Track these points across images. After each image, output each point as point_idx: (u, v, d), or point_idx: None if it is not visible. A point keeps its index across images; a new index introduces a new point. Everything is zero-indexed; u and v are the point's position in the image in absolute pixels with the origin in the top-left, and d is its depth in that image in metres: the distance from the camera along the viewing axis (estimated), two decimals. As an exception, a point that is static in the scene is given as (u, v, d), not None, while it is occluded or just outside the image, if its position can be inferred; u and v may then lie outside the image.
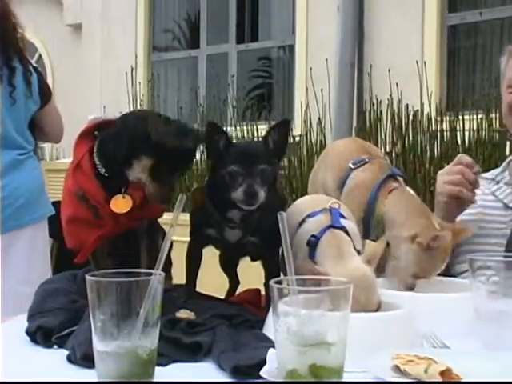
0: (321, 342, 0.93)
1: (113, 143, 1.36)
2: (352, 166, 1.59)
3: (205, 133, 1.33)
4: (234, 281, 1.59)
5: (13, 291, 2.40)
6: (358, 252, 1.30)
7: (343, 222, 1.35)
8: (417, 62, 4.55)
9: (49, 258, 2.76)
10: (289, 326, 0.94)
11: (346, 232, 1.32)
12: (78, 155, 1.42)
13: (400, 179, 1.58)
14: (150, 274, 1.03)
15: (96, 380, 1.01)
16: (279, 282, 0.96)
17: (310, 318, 0.93)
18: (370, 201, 1.53)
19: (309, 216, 1.36)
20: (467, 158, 1.69)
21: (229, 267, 1.59)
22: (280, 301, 0.94)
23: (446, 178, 1.68)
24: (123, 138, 1.34)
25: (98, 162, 1.39)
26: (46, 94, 2.77)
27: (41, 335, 1.24)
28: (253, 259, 1.49)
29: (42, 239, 2.72)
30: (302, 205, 1.44)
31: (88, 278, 1.01)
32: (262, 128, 5.26)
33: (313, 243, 1.29)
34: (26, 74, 2.65)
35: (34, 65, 2.80)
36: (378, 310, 1.22)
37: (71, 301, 1.35)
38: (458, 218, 1.73)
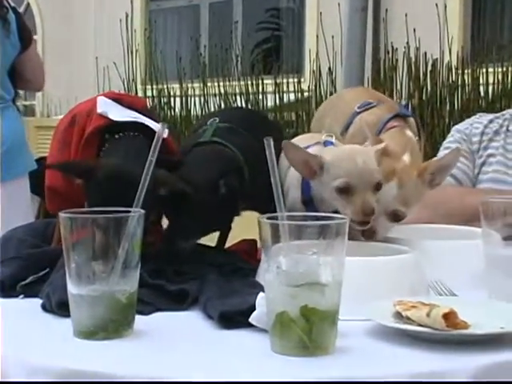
0: (313, 283, 0.92)
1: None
2: (357, 110, 1.57)
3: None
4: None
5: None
6: None
7: None
8: (437, 6, 4.47)
9: (31, 218, 2.73)
10: (279, 265, 0.93)
11: None
12: (87, 156, 1.35)
13: (409, 120, 1.54)
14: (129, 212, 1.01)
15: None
16: (269, 218, 0.94)
17: (302, 256, 0.92)
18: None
19: None
20: None
21: None
22: (270, 238, 0.93)
23: None
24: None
25: None
26: (26, 38, 2.72)
27: None
28: None
29: (23, 196, 2.69)
30: (298, 141, 1.42)
31: (61, 215, 1.00)
32: (269, 83, 5.21)
33: None
34: (1, 11, 2.59)
35: (12, 4, 2.75)
36: (377, 189, 1.25)
37: (28, 247, 1.35)
38: None
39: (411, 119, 1.55)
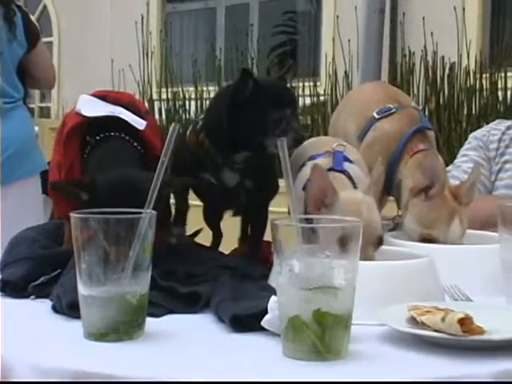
0: (326, 286, 0.91)
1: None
2: (376, 116, 1.55)
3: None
4: (217, 234, 1.58)
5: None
6: None
7: (347, 165, 1.32)
8: (455, 9, 4.45)
9: (42, 218, 2.72)
10: (291, 268, 0.92)
11: (349, 176, 1.30)
12: (69, 156, 1.36)
13: (429, 134, 1.54)
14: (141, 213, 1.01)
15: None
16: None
17: (315, 260, 0.91)
18: (394, 157, 1.49)
19: (309, 159, 1.35)
20: None
21: (213, 220, 1.57)
22: (282, 240, 0.92)
23: None
24: None
25: None
26: (33, 36, 2.71)
27: (8, 289, 1.25)
28: (236, 213, 1.50)
29: (33, 196, 2.68)
30: (307, 147, 1.41)
31: (73, 215, 1.00)
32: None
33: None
34: (7, 14, 2.58)
35: (18, 3, 2.75)
36: (379, 245, 1.22)
37: (40, 247, 1.35)
38: None
39: (431, 132, 1.55)
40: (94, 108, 1.35)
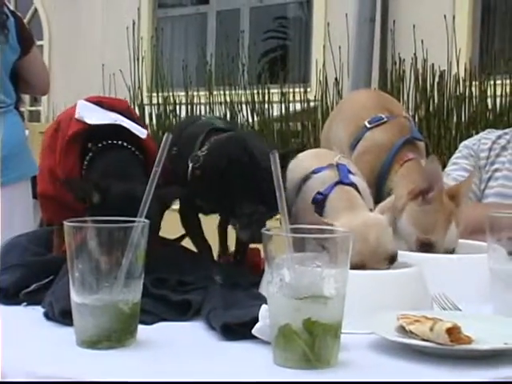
0: (316, 295, 0.92)
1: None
2: (368, 125, 1.57)
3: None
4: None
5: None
6: (370, 211, 1.29)
7: (352, 178, 1.33)
8: (445, 17, 4.48)
9: (32, 224, 2.72)
10: (282, 278, 0.93)
11: (357, 189, 1.31)
12: (68, 163, 1.36)
13: (419, 144, 1.56)
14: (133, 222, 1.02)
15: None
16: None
17: (305, 269, 0.93)
18: (384, 167, 1.51)
19: (313, 172, 1.35)
20: None
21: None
22: (273, 250, 0.94)
23: None
24: None
25: None
26: (26, 42, 2.70)
27: (0, 296, 1.25)
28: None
29: (24, 201, 2.67)
30: (306, 160, 1.41)
31: (66, 224, 1.01)
32: (275, 92, 5.22)
33: (318, 200, 1.28)
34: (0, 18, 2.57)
35: (11, 8, 2.74)
36: (391, 262, 1.21)
37: (32, 254, 1.36)
38: None
39: (421, 143, 1.56)
40: (95, 115, 1.35)
